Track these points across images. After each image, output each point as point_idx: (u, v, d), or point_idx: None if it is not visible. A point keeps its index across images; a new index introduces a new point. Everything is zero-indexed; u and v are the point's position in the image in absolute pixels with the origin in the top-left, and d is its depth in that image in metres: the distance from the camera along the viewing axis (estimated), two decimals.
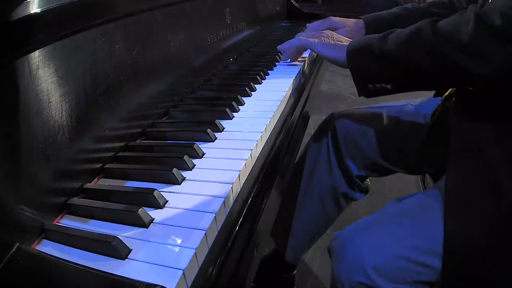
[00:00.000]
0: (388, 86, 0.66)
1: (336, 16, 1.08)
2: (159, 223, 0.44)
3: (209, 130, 0.63)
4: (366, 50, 0.67)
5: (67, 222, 0.45)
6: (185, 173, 0.53)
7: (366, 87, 0.69)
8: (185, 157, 0.55)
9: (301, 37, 0.86)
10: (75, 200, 0.48)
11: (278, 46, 1.00)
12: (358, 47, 0.69)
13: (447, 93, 0.80)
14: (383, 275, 0.61)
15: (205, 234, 0.42)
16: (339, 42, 0.78)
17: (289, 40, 0.94)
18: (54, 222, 0.45)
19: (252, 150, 0.59)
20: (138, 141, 0.64)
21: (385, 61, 0.65)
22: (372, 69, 0.67)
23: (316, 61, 1.17)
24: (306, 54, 1.09)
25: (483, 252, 0.57)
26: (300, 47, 0.92)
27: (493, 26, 0.52)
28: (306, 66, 1.06)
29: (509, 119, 0.59)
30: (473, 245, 0.58)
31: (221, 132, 0.66)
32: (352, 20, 1.04)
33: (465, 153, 0.62)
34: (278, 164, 0.63)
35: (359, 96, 0.71)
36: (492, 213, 0.57)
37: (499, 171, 0.58)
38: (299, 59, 1.05)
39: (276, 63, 1.05)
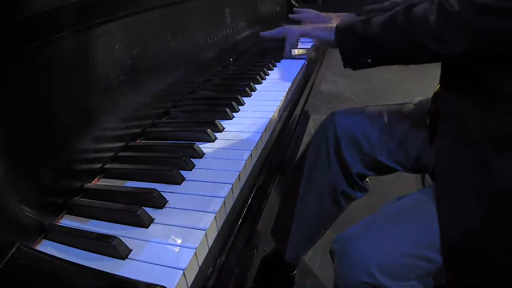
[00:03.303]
0: (368, 60, 0.73)
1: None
2: (159, 223, 0.44)
3: (209, 130, 0.63)
4: (350, 30, 0.75)
5: (67, 222, 0.45)
6: (185, 173, 0.53)
7: (350, 61, 0.77)
8: (185, 157, 0.55)
9: (294, 27, 0.95)
10: (75, 200, 0.48)
11: (261, 33, 1.06)
12: (344, 27, 0.78)
13: (436, 89, 0.81)
14: (387, 273, 0.61)
15: (205, 234, 0.42)
16: (329, 25, 0.86)
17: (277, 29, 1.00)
18: (54, 222, 0.45)
19: (252, 150, 0.59)
20: (138, 141, 0.64)
21: (365, 40, 0.72)
22: (355, 46, 0.75)
23: (316, 61, 1.17)
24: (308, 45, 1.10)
25: (479, 235, 0.58)
26: (295, 35, 0.97)
27: (453, 12, 0.56)
28: (306, 66, 1.06)
29: (491, 101, 0.61)
30: (468, 230, 0.59)
31: (221, 132, 0.66)
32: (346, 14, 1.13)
33: (452, 139, 0.64)
34: (278, 164, 0.63)
35: (345, 68, 0.79)
36: (484, 196, 0.58)
37: (487, 153, 0.58)
38: (300, 51, 1.10)
39: (276, 63, 1.05)
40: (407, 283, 0.62)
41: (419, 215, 0.65)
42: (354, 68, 0.77)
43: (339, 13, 1.17)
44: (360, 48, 0.74)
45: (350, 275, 0.64)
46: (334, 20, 1.15)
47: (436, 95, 0.80)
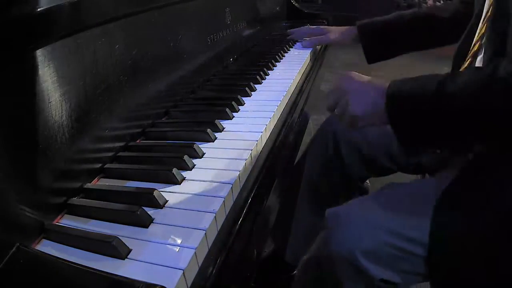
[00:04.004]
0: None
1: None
2: (159, 223, 0.44)
3: (209, 130, 0.63)
4: (418, 100, 0.55)
5: (67, 222, 0.45)
6: (185, 173, 0.53)
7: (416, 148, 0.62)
8: (185, 157, 0.55)
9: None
10: (75, 200, 0.48)
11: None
12: (407, 93, 0.56)
13: None
14: (371, 259, 0.61)
15: (205, 234, 0.42)
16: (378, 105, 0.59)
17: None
18: (54, 222, 0.45)
19: (252, 150, 0.59)
20: (138, 141, 0.64)
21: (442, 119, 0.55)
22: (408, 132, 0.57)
23: (317, 61, 1.17)
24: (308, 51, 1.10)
25: (473, 244, 0.58)
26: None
27: None
28: (306, 66, 1.06)
29: None
30: (461, 237, 0.59)
31: (221, 132, 0.66)
32: (344, 27, 1.13)
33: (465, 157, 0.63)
34: (278, 164, 0.63)
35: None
36: (489, 210, 0.58)
37: (499, 170, 0.58)
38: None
39: (277, 63, 1.05)
40: (387, 272, 0.62)
41: (415, 209, 0.65)
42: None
43: (337, 27, 1.17)
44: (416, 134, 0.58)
45: (335, 253, 0.63)
46: (332, 33, 1.15)
47: None
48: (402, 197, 0.68)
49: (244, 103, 0.78)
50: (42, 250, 0.40)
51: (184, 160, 0.54)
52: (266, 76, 0.95)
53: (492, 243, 0.58)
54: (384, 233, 0.62)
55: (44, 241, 0.42)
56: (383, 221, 0.64)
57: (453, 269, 0.60)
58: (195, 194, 0.49)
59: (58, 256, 0.38)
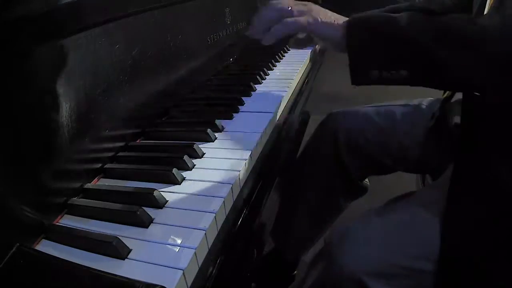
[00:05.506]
0: (390, 73, 0.57)
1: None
2: (159, 223, 0.44)
3: (209, 130, 0.63)
4: (369, 27, 0.59)
5: (67, 222, 0.45)
6: (185, 173, 0.53)
7: (362, 73, 0.59)
8: (185, 157, 0.55)
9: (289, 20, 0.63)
10: (75, 200, 0.48)
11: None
12: (359, 22, 0.60)
13: (445, 94, 0.81)
14: (378, 279, 0.61)
15: (205, 234, 0.42)
16: (336, 19, 0.64)
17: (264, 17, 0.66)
18: (54, 222, 0.45)
19: (252, 150, 0.58)
20: (138, 141, 0.64)
21: (390, 42, 0.56)
22: (373, 50, 0.58)
23: (317, 61, 1.17)
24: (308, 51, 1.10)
25: (484, 250, 0.58)
26: (290, 29, 0.65)
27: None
28: (306, 66, 1.06)
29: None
30: (472, 244, 0.58)
31: (221, 132, 0.66)
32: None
33: (471, 163, 0.63)
34: (278, 164, 0.63)
35: (353, 84, 0.61)
36: (495, 212, 0.58)
37: (503, 171, 0.58)
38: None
39: (277, 63, 1.05)
40: None
41: (421, 223, 0.64)
42: (365, 82, 0.60)
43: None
44: (380, 54, 0.57)
45: (341, 275, 0.62)
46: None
47: (445, 101, 0.80)
48: (407, 212, 0.67)
49: (244, 103, 0.78)
50: (42, 250, 0.40)
51: (184, 160, 0.54)
52: (266, 76, 0.95)
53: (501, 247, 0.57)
54: (389, 252, 0.62)
55: (44, 241, 0.42)
56: (388, 240, 0.63)
57: (463, 283, 0.60)
58: (195, 194, 0.49)
59: (58, 256, 0.38)
